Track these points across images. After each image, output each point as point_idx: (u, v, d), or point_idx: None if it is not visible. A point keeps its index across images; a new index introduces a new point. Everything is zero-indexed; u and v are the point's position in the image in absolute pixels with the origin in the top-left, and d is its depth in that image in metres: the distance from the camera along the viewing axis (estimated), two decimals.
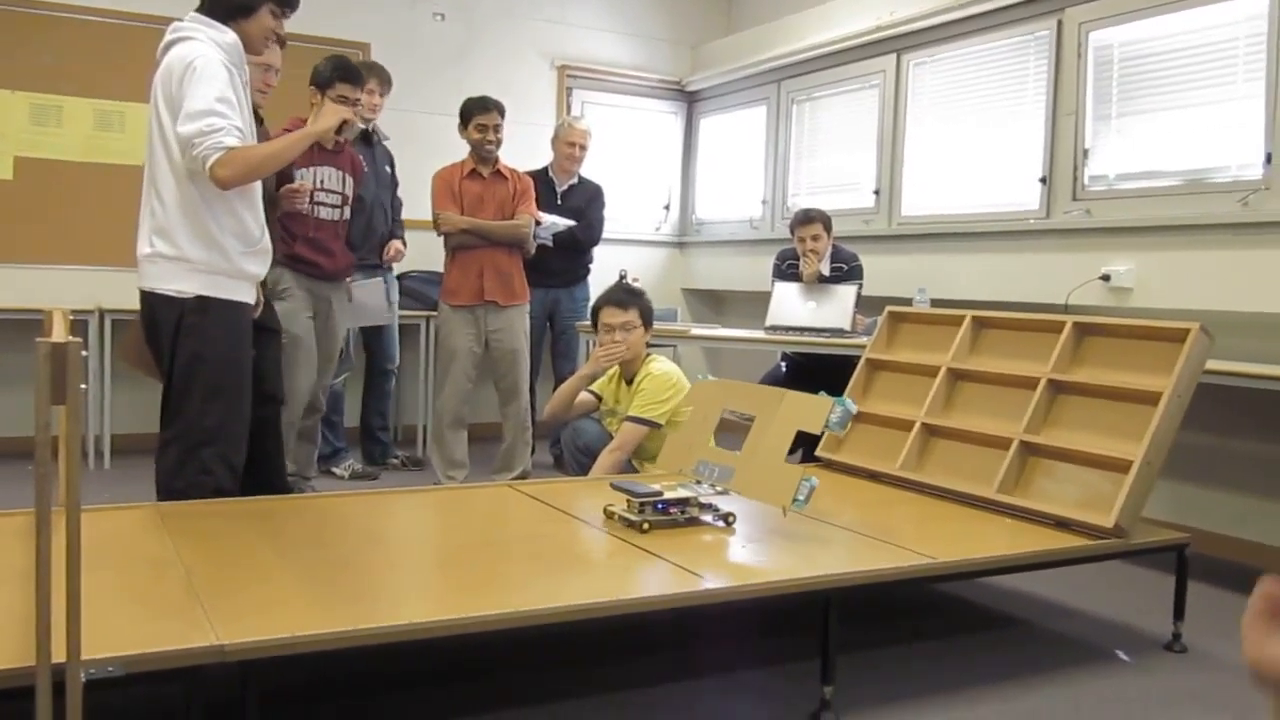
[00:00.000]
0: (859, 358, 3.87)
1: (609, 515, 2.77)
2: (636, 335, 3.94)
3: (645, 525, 2.65)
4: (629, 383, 3.94)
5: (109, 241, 5.18)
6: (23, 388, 4.93)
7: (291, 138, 2.85)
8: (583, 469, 3.93)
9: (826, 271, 5.05)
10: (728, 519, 2.75)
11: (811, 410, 2.73)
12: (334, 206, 4.18)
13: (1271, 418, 3.78)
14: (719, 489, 2.82)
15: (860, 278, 5.04)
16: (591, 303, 4.33)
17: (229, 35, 2.75)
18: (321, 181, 4.11)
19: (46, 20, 5.18)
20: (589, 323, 4.30)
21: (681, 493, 2.75)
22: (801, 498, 2.57)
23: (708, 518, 2.76)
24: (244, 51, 2.81)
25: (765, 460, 2.74)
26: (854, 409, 2.73)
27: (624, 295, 4.05)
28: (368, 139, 4.89)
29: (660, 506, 2.69)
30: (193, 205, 2.71)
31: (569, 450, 4.11)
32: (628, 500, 2.71)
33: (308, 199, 3.94)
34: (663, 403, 3.77)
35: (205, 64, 2.64)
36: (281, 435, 3.52)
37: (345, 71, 4.07)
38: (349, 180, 4.25)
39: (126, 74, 5.15)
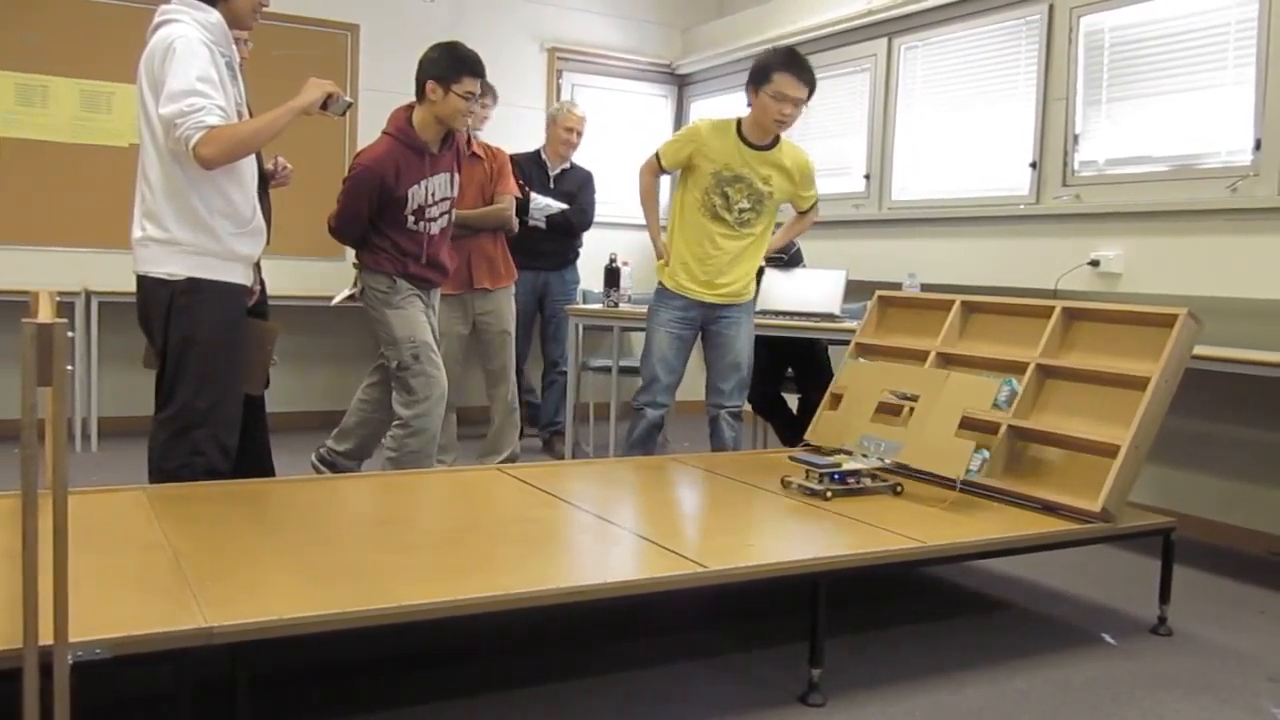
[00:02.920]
0: (823, 340, 3.88)
1: (786, 485, 3.00)
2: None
3: (829, 494, 2.90)
4: (760, 148, 3.73)
5: (96, 223, 5.17)
6: (9, 370, 4.91)
7: (274, 114, 2.82)
8: (650, 449, 3.82)
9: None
10: (896, 488, 2.97)
11: (977, 391, 2.95)
12: (443, 214, 3.84)
13: (1258, 403, 3.80)
14: (886, 461, 3.04)
15: (801, 262, 5.08)
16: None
17: (212, 15, 2.73)
18: (432, 195, 3.75)
19: None
20: (580, 304, 4.27)
21: (854, 464, 3.01)
22: (975, 468, 2.80)
23: (877, 486, 2.99)
24: (230, 29, 2.79)
25: (935, 434, 2.98)
26: (1019, 389, 2.91)
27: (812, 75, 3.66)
28: (466, 144, 4.79)
29: (838, 477, 2.94)
30: (179, 187, 2.69)
31: (649, 429, 3.85)
32: (807, 471, 2.96)
33: (288, 173, 3.53)
34: None
35: (185, 44, 2.63)
36: (266, 416, 3.49)
37: (472, 65, 3.65)
38: (456, 180, 3.91)
39: (113, 54, 5.11)
